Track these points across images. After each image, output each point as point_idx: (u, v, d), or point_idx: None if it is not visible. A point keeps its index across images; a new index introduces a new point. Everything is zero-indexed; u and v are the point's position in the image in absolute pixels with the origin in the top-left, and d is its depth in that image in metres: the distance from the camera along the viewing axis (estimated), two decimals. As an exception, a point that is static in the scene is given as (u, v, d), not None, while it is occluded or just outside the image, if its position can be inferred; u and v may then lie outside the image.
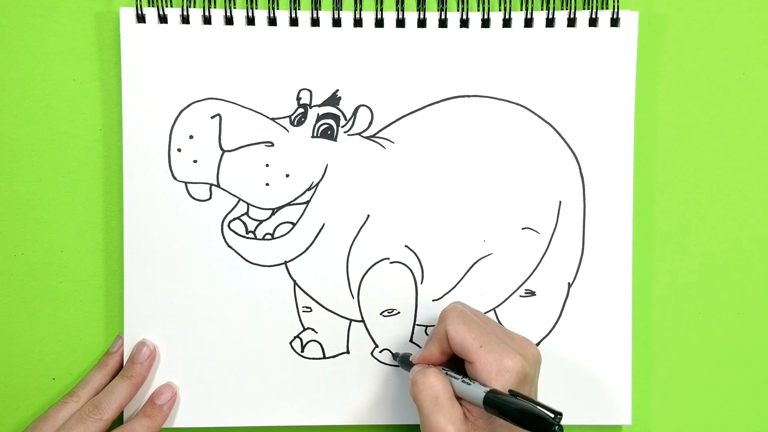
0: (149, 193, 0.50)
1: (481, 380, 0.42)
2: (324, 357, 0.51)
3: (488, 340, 0.43)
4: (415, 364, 0.46)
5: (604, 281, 0.51)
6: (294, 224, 0.50)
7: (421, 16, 0.50)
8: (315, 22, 0.50)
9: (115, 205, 0.51)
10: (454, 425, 0.41)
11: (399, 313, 0.51)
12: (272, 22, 0.50)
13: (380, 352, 0.51)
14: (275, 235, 0.50)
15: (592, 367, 0.51)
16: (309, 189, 0.50)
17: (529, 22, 0.50)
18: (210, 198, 0.50)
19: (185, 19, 0.50)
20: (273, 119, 0.50)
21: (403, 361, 0.49)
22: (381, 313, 0.51)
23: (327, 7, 0.50)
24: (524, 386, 0.42)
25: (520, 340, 0.45)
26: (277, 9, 0.50)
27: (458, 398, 0.43)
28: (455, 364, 0.45)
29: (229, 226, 0.50)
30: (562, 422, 0.51)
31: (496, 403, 0.39)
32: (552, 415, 0.37)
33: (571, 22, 0.50)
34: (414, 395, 0.43)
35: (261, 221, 0.50)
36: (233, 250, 0.50)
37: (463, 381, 0.42)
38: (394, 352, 0.51)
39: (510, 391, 0.40)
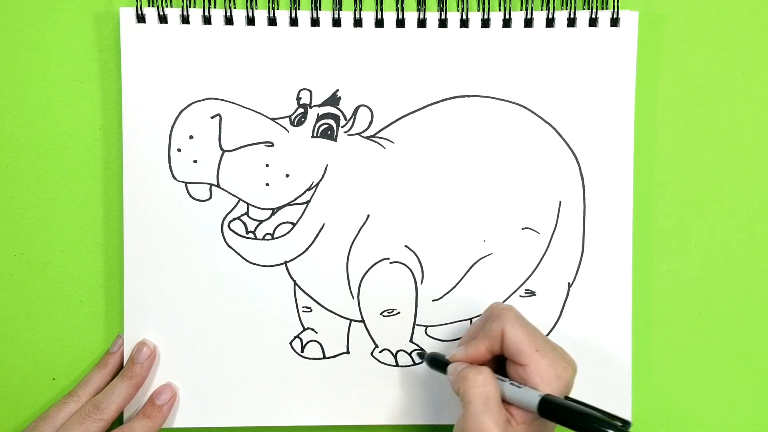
0: (149, 193, 0.50)
1: (532, 384, 0.41)
2: (324, 357, 0.51)
3: (543, 345, 0.43)
4: (453, 362, 0.45)
5: (604, 281, 0.51)
6: (294, 224, 0.50)
7: (421, 16, 0.50)
8: (315, 22, 0.50)
9: (115, 205, 0.51)
10: (499, 428, 0.40)
11: (399, 313, 0.51)
12: (272, 22, 0.50)
13: (380, 352, 0.51)
14: (275, 235, 0.50)
15: (592, 367, 0.51)
16: (309, 189, 0.50)
17: (529, 22, 0.50)
18: (210, 198, 0.50)
19: (185, 19, 0.50)
20: (273, 119, 0.50)
21: (433, 362, 0.47)
22: (381, 313, 0.51)
23: (327, 7, 0.50)
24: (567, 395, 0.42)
25: (561, 349, 0.45)
26: (277, 9, 0.50)
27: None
28: (495, 365, 0.45)
29: (229, 226, 0.50)
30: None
31: (557, 408, 0.39)
32: (620, 423, 0.37)
33: (571, 22, 0.50)
34: (463, 391, 0.42)
35: (261, 221, 0.50)
36: (233, 250, 0.50)
37: (511, 384, 0.42)
38: (419, 352, 0.51)
39: (566, 397, 0.40)
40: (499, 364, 0.45)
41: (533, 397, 0.40)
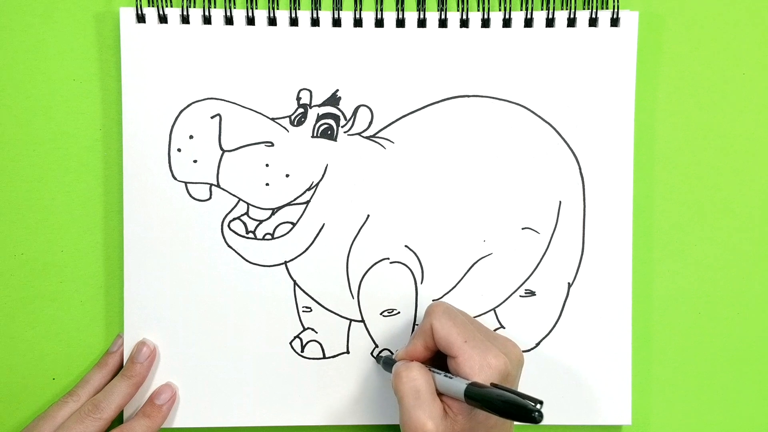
0: (149, 193, 0.50)
1: (463, 375, 0.42)
2: (324, 357, 0.51)
3: (473, 336, 0.43)
4: (397, 361, 0.46)
5: (604, 281, 0.51)
6: (294, 224, 0.50)
7: (421, 16, 0.50)
8: (315, 22, 0.50)
9: (115, 205, 0.51)
10: (433, 420, 0.41)
11: (399, 313, 0.51)
12: (272, 22, 0.50)
13: (380, 352, 0.51)
14: (275, 235, 0.50)
15: (592, 367, 0.51)
16: (309, 189, 0.50)
17: (529, 22, 0.50)
18: (210, 198, 0.50)
19: (185, 19, 0.50)
20: (273, 119, 0.50)
21: (386, 363, 0.49)
22: (381, 313, 0.51)
23: (327, 7, 0.50)
24: (505, 385, 0.42)
25: (503, 340, 0.46)
26: (277, 9, 0.50)
27: (439, 394, 0.43)
28: (438, 362, 0.46)
29: (229, 226, 0.50)
30: (564, 422, 0.51)
31: (477, 394, 0.40)
32: (532, 404, 0.37)
33: (571, 22, 0.50)
34: (396, 387, 0.43)
35: (261, 221, 0.50)
36: (233, 250, 0.50)
37: (445, 376, 0.43)
38: (376, 354, 0.51)
39: (492, 384, 0.40)
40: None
41: (461, 386, 0.41)
